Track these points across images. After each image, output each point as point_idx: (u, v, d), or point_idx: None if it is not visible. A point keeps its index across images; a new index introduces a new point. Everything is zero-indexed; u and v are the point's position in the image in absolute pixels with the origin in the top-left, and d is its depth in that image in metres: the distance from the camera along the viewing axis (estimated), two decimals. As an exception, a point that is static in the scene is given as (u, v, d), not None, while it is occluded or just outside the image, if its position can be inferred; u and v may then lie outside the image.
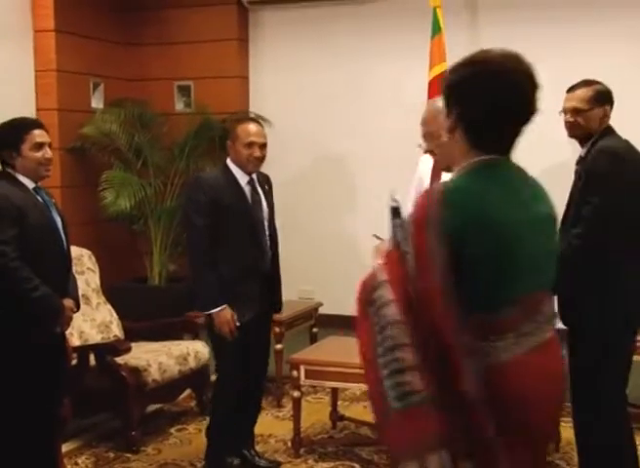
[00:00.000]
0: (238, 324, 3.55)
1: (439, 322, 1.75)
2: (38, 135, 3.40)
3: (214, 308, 3.46)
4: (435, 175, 4.26)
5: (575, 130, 3.10)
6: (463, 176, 1.86)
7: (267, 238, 3.79)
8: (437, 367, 1.76)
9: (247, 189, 3.75)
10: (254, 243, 3.67)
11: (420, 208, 1.81)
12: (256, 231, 3.72)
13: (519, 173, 1.93)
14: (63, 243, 3.53)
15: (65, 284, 3.49)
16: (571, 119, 3.07)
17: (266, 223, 3.81)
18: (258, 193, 3.79)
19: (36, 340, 3.29)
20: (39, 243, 3.36)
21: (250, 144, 3.67)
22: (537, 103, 1.90)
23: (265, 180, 3.91)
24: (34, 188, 3.43)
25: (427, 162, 4.23)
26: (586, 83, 3.35)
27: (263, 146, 3.74)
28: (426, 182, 4.14)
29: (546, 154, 5.19)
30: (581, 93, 3.12)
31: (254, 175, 3.75)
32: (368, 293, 1.87)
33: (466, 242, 1.78)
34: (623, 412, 3.37)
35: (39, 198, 3.45)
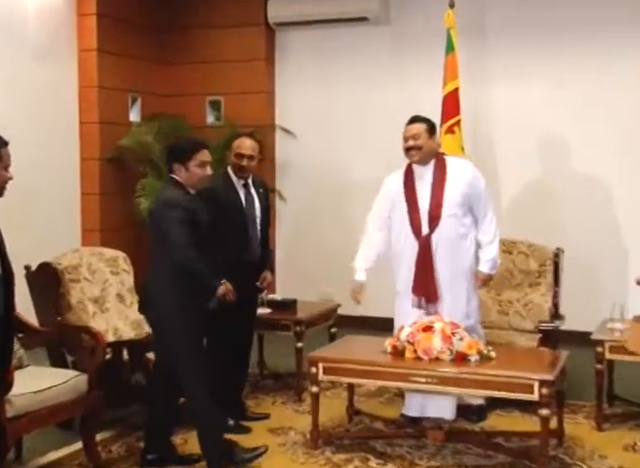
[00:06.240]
0: None
1: None
2: (206, 154, 3.51)
3: None
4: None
5: None
6: None
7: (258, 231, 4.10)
8: None
9: (242, 192, 4.03)
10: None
11: None
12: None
13: None
14: None
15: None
16: None
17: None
18: (251, 194, 4.08)
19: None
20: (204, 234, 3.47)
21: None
22: None
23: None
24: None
25: (395, 180, 4.08)
26: None
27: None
28: (398, 198, 3.99)
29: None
30: None
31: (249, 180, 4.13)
32: None
33: None
34: None
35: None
